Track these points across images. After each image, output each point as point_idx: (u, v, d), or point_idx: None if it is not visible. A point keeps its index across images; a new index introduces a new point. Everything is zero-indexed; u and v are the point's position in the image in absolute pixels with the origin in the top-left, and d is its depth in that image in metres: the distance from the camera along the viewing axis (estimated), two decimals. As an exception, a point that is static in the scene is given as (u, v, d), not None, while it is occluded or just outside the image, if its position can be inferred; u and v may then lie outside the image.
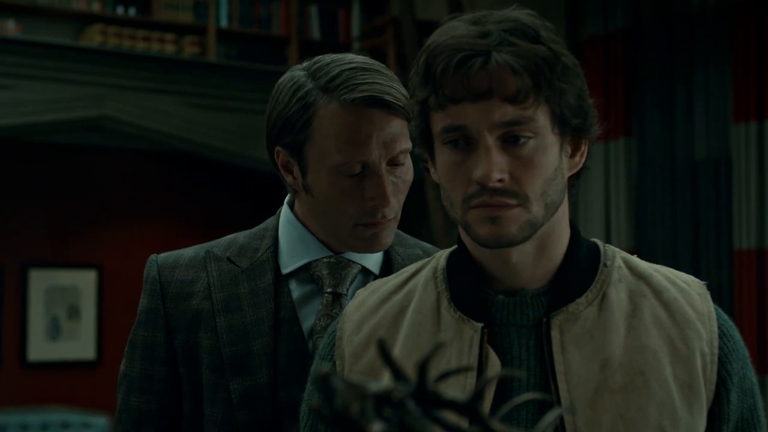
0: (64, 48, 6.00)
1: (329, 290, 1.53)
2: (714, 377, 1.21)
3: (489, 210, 1.15)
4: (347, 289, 1.54)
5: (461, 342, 1.21)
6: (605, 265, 1.25)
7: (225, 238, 1.63)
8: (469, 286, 1.24)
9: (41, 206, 7.42)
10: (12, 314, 7.32)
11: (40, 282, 7.41)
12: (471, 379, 1.19)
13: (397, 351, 1.25)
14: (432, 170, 1.24)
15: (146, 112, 6.18)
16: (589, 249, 1.26)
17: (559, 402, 1.17)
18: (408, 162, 1.50)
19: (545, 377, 1.19)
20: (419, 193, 5.52)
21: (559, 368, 1.18)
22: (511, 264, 1.21)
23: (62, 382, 7.38)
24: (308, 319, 1.54)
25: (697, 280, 1.28)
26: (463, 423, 0.75)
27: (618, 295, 1.23)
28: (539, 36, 1.15)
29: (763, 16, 5.15)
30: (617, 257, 1.27)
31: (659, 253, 5.56)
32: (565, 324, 1.20)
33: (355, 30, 6.96)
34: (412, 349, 1.24)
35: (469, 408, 0.72)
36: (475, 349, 1.20)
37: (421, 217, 5.77)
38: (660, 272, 1.27)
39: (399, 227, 1.63)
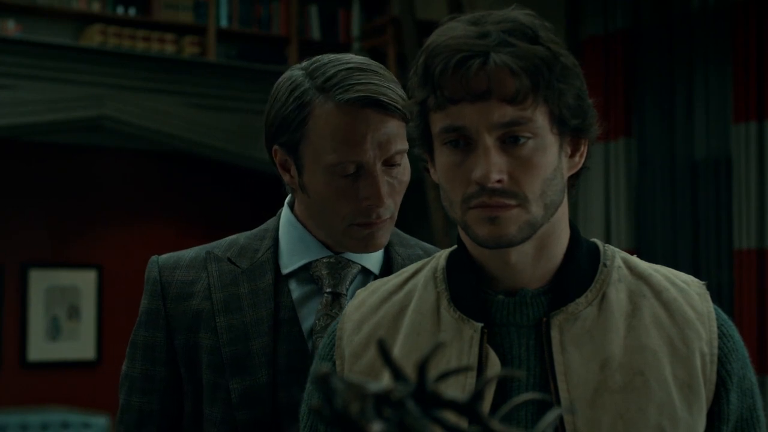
0: (64, 48, 6.00)
1: (328, 290, 1.53)
2: (713, 377, 1.21)
3: (488, 210, 1.15)
4: (347, 289, 1.54)
5: (461, 342, 1.21)
6: (605, 265, 1.25)
7: (226, 239, 1.63)
8: (469, 286, 1.24)
9: (41, 206, 7.42)
10: (12, 314, 7.32)
11: (40, 282, 7.41)
12: (471, 379, 1.19)
13: (396, 351, 1.25)
14: (432, 171, 1.24)
15: (146, 112, 6.18)
16: (588, 249, 1.27)
17: (558, 402, 1.17)
18: (405, 162, 1.50)
19: (545, 377, 1.20)
20: (419, 193, 5.52)
21: (558, 368, 1.19)
22: (511, 264, 1.21)
23: (62, 382, 7.38)
24: (308, 319, 1.54)
25: (696, 280, 1.28)
26: (463, 423, 0.75)
27: (618, 295, 1.23)
28: (538, 36, 1.15)
29: (763, 16, 5.15)
30: (617, 257, 1.27)
31: (659, 253, 5.56)
32: (565, 324, 1.20)
33: (355, 30, 6.96)
34: (411, 349, 1.24)
35: (469, 408, 0.73)
36: (475, 349, 1.20)
37: (421, 217, 5.77)
38: (660, 272, 1.27)
39: (399, 227, 1.63)
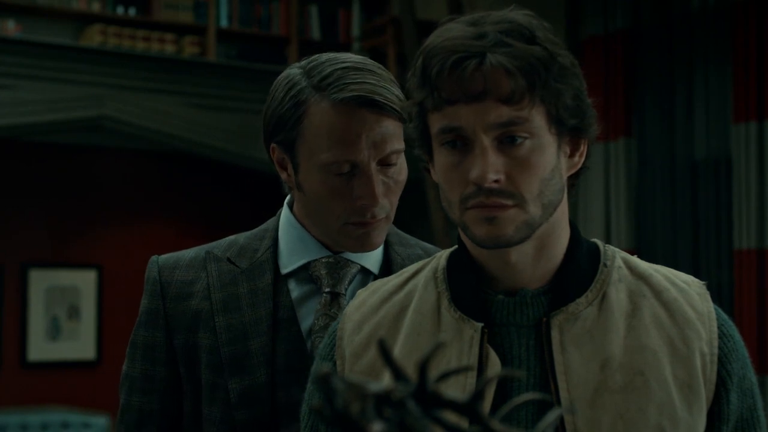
0: (64, 48, 6.00)
1: (327, 290, 1.53)
2: (714, 377, 1.21)
3: (485, 211, 1.16)
4: (345, 289, 1.54)
5: (461, 342, 1.21)
6: (605, 265, 1.25)
7: (226, 239, 1.63)
8: (469, 286, 1.24)
9: (41, 206, 7.42)
10: (12, 314, 7.32)
11: (40, 282, 7.41)
12: (471, 379, 1.19)
13: (397, 351, 1.25)
14: (432, 171, 1.25)
15: (146, 112, 6.18)
16: (589, 249, 1.27)
17: (558, 402, 1.17)
18: (401, 162, 1.50)
19: (545, 377, 1.20)
20: (419, 193, 5.52)
21: (559, 368, 1.19)
22: (511, 264, 1.21)
23: (62, 382, 7.38)
24: (307, 318, 1.54)
25: (696, 280, 1.28)
26: (463, 423, 0.75)
27: (618, 295, 1.23)
28: (535, 36, 1.16)
29: (763, 16, 5.15)
30: (617, 257, 1.27)
31: (659, 253, 5.56)
32: (565, 324, 1.20)
33: (355, 30, 6.96)
34: (412, 349, 1.24)
35: (469, 408, 0.73)
36: (475, 349, 1.20)
37: (421, 217, 5.77)
38: (660, 272, 1.27)
39: (399, 227, 1.63)
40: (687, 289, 1.25)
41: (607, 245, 1.29)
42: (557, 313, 1.21)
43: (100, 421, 6.78)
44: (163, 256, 1.61)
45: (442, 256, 1.31)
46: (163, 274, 1.58)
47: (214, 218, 7.66)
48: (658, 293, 1.24)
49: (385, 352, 0.72)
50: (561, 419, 1.17)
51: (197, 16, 6.60)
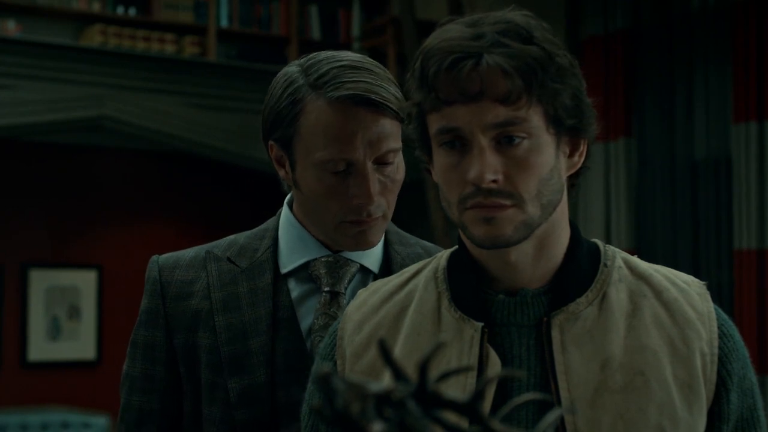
0: (64, 48, 6.00)
1: (327, 289, 1.53)
2: (714, 377, 1.21)
3: (484, 211, 1.16)
4: (345, 288, 1.54)
5: (461, 342, 1.21)
6: (605, 265, 1.25)
7: (226, 238, 1.63)
8: (470, 286, 1.24)
9: (41, 206, 7.43)
10: (12, 314, 7.32)
11: (40, 282, 7.41)
12: (471, 379, 1.19)
13: (397, 351, 1.25)
14: (433, 172, 1.25)
15: (146, 112, 6.18)
16: (589, 249, 1.27)
17: (559, 402, 1.17)
18: (398, 161, 1.50)
19: (545, 377, 1.20)
20: (419, 193, 5.52)
21: (559, 368, 1.19)
22: (511, 264, 1.21)
23: (62, 382, 7.38)
24: (306, 318, 1.54)
25: (697, 280, 1.28)
26: (464, 423, 0.75)
27: (618, 295, 1.23)
28: (532, 36, 1.16)
29: (763, 16, 5.15)
30: (617, 257, 1.27)
31: (659, 253, 5.56)
32: (566, 324, 1.20)
33: (355, 30, 6.96)
34: (412, 349, 1.24)
35: (469, 408, 0.73)
36: (476, 349, 1.20)
37: (421, 217, 5.77)
38: (660, 272, 1.27)
39: (399, 227, 1.63)
40: (687, 289, 1.25)
41: (607, 245, 1.29)
42: (558, 312, 1.21)
43: (100, 421, 6.78)
44: (163, 256, 1.61)
45: (442, 256, 1.31)
46: (163, 274, 1.58)
47: (214, 218, 7.66)
48: (658, 293, 1.24)
49: (385, 352, 0.72)
50: (561, 419, 1.17)
51: (197, 16, 6.60)
